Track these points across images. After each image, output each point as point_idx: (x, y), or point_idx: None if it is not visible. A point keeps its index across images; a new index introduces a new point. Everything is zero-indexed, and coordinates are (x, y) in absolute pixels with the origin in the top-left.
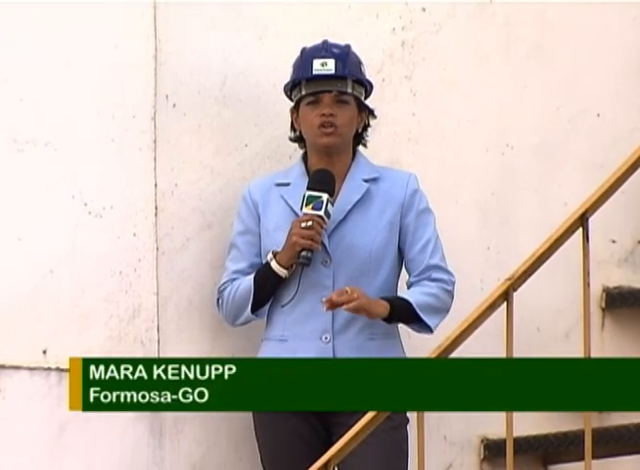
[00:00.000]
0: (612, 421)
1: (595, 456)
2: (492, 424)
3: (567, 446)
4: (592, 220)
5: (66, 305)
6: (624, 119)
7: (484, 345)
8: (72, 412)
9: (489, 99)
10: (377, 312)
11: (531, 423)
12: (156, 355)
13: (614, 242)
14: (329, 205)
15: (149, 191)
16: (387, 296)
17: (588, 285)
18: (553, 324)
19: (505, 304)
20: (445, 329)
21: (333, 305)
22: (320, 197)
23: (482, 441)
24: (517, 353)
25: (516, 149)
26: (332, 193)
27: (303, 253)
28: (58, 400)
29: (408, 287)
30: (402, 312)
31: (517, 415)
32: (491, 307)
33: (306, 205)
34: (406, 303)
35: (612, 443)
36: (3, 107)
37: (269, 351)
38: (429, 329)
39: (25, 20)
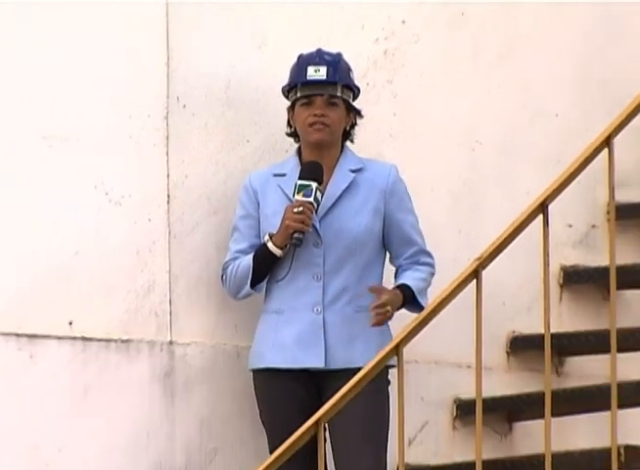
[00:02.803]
0: (568, 384)
1: (554, 414)
2: (464, 386)
3: (529, 405)
4: (551, 207)
5: (89, 281)
6: (578, 119)
7: (457, 317)
8: (95, 376)
9: (461, 101)
10: (397, 306)
11: (498, 385)
12: (168, 326)
13: (570, 226)
14: (317, 192)
15: (162, 181)
16: (400, 283)
17: (548, 264)
18: (517, 299)
19: (475, 281)
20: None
21: (377, 320)
22: (310, 185)
23: (455, 401)
24: (485, 324)
25: (484, 145)
26: (320, 182)
27: (295, 234)
28: (82, 366)
29: (397, 268)
30: (407, 299)
31: (485, 379)
32: (463, 284)
33: (298, 192)
34: (409, 290)
35: (568, 402)
36: (35, 108)
37: (267, 321)
38: (421, 309)
39: (56, 28)
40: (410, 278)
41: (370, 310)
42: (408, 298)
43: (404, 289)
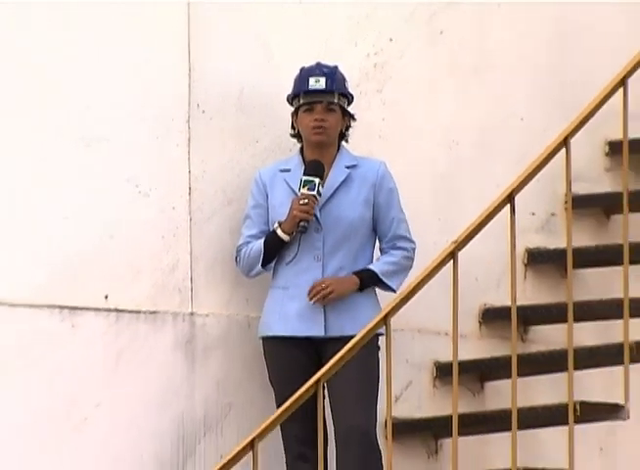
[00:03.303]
0: (532, 349)
1: (519, 375)
2: (442, 351)
3: (498, 367)
4: (517, 198)
5: (122, 261)
6: (540, 122)
7: (437, 291)
8: (126, 343)
9: (440, 107)
10: (348, 290)
11: (472, 350)
12: (189, 300)
13: (533, 214)
14: (320, 186)
15: (184, 176)
16: (357, 270)
17: (514, 247)
18: (488, 276)
19: (452, 261)
20: (409, 279)
21: (317, 297)
22: (313, 181)
23: (435, 364)
24: (460, 298)
25: (460, 144)
26: (322, 177)
27: (301, 223)
28: (115, 334)
29: (380, 251)
30: (370, 281)
31: (460, 345)
32: (442, 263)
33: (303, 186)
34: (373, 272)
35: (531, 365)
36: (75, 112)
37: (275, 295)
38: (392, 289)
39: (90, 43)
40: (377, 263)
41: (309, 289)
42: (366, 279)
43: (368, 273)
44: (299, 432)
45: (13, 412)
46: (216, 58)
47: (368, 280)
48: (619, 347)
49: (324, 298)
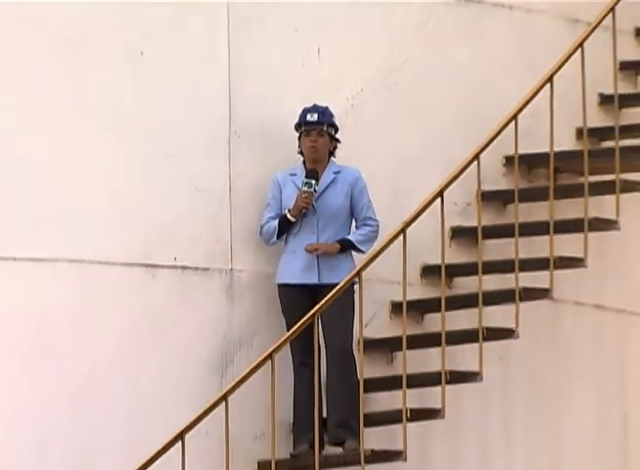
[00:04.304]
0: (455, 293)
1: (447, 310)
2: (396, 294)
3: (433, 305)
4: (445, 193)
5: (186, 235)
6: (461, 144)
7: (393, 255)
8: (189, 290)
9: (396, 136)
10: (332, 250)
11: (415, 294)
12: (230, 260)
13: (456, 204)
14: (316, 186)
15: (226, 180)
16: (340, 238)
17: (443, 225)
18: (425, 245)
19: (402, 235)
20: (375, 246)
21: (311, 250)
22: (311, 182)
23: (391, 302)
24: (408, 259)
25: (408, 160)
26: (317, 180)
27: (303, 210)
28: (182, 285)
29: (355, 227)
30: (348, 246)
31: (408, 290)
32: (396, 236)
33: (304, 185)
34: (350, 241)
35: (455, 304)
36: (150, 133)
37: (286, 257)
38: (363, 252)
39: (168, 86)
40: (353, 234)
41: (308, 247)
42: (346, 245)
43: (343, 241)
44: (302, 347)
45: (116, 338)
46: (251, 97)
47: (347, 246)
48: (513, 291)
49: (315, 250)
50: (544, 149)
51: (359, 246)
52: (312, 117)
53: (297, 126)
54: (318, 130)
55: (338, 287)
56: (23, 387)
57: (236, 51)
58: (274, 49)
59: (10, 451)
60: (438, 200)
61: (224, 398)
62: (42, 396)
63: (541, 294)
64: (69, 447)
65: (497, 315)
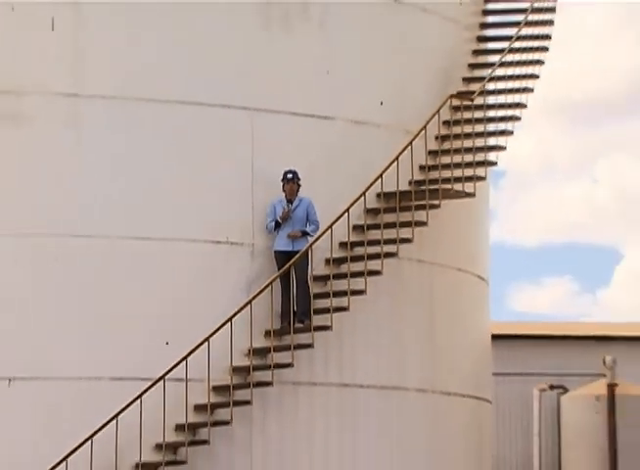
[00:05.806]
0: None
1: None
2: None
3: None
4: (350, 210)
5: (228, 232)
6: (340, 185)
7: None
8: (223, 257)
9: (316, 183)
10: (298, 235)
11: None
12: (251, 242)
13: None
14: (290, 206)
15: (250, 217)
16: (302, 229)
17: (349, 220)
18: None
19: (329, 230)
20: (318, 234)
21: (292, 235)
22: (289, 205)
23: (326, 259)
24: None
25: (331, 188)
26: (292, 203)
27: (285, 217)
28: (216, 252)
29: (307, 225)
30: (304, 233)
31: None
32: (324, 232)
33: (285, 206)
34: (306, 231)
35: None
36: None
37: (278, 238)
38: (311, 236)
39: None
40: (307, 228)
41: (290, 233)
42: (303, 233)
43: (302, 230)
44: (285, 281)
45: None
46: (265, 164)
47: (304, 233)
48: None
49: (293, 235)
50: None
51: (311, 233)
52: (288, 176)
53: (282, 180)
54: (292, 182)
55: (300, 252)
56: None
57: None
58: None
59: None
60: (345, 215)
61: (249, 303)
62: None
63: None
64: None
65: None
